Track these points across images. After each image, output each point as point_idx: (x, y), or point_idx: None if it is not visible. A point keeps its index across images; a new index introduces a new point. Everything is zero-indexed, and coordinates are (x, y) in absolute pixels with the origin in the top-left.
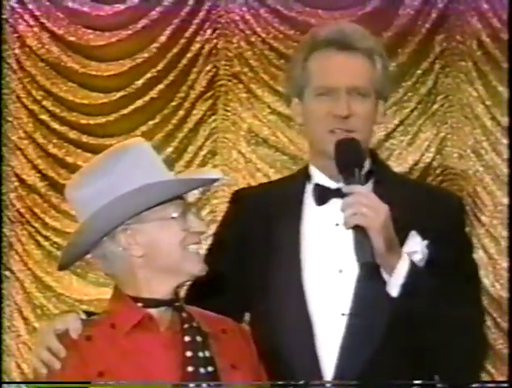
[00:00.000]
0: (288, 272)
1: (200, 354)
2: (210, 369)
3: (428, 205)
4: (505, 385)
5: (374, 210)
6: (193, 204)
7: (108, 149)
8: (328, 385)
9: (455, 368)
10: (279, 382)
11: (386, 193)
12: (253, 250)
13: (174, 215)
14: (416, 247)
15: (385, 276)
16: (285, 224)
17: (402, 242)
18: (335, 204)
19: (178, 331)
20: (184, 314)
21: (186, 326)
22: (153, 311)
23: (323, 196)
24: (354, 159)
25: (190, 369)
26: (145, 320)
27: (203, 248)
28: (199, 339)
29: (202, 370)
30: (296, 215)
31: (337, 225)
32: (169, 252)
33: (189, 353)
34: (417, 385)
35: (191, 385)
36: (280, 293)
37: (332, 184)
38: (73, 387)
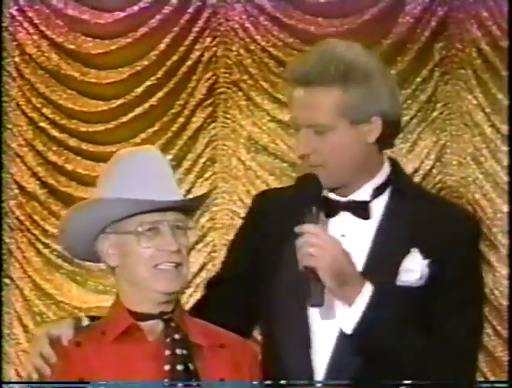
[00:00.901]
0: (293, 281)
1: (179, 367)
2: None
3: (440, 222)
4: (505, 385)
5: (321, 249)
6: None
7: (118, 153)
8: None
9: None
10: (266, 382)
11: (401, 204)
12: (266, 255)
13: (140, 229)
14: (414, 266)
15: (342, 311)
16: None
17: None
18: (343, 216)
19: (163, 343)
20: (169, 328)
21: (168, 339)
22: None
23: (332, 208)
24: (309, 196)
25: (166, 381)
26: (132, 329)
27: (174, 266)
28: (179, 352)
29: (180, 385)
30: None
31: (342, 236)
32: (135, 268)
33: (167, 367)
34: (407, 385)
35: (180, 384)
36: (283, 302)
37: (340, 198)
38: None
